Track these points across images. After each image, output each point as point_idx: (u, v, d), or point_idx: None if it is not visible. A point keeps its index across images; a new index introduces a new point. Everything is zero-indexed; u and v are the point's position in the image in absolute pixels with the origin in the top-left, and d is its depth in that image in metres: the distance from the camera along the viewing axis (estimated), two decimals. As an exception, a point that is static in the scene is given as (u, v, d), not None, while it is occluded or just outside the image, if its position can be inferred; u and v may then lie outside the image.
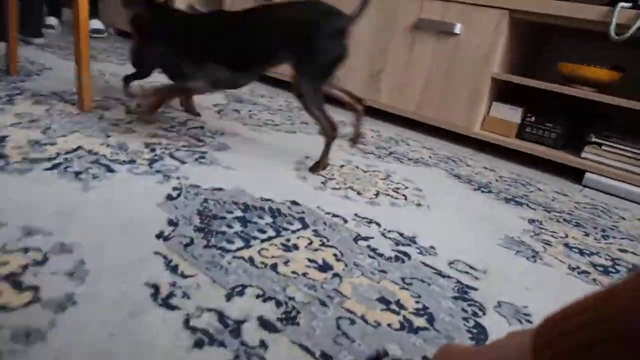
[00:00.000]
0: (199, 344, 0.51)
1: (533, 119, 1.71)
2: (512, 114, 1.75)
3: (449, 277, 0.76)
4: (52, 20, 2.61)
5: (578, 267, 0.88)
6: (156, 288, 0.59)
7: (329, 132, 1.10)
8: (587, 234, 1.07)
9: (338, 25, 1.05)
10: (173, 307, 0.56)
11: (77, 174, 0.88)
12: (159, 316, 0.54)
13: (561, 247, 0.96)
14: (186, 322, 0.54)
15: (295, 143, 1.38)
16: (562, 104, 1.71)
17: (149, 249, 0.67)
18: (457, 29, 1.77)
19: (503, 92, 1.82)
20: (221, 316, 0.56)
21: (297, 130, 1.54)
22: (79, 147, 1.01)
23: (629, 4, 1.47)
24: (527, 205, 1.20)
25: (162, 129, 1.26)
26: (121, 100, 1.48)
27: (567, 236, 1.03)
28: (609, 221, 1.19)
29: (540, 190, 1.37)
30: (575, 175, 1.57)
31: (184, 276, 0.62)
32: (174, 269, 0.64)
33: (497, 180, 1.38)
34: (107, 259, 0.63)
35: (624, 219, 1.24)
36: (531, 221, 1.08)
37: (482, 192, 1.24)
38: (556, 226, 1.08)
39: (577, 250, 0.96)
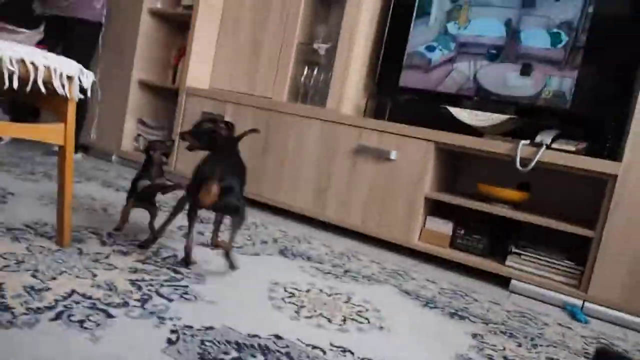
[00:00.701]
0: None
1: (462, 231, 1.98)
2: (445, 227, 2.01)
3: (418, 401, 0.90)
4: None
5: (517, 380, 1.07)
6: None
7: None
8: (519, 345, 1.27)
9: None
10: None
11: (81, 322, 0.96)
12: None
13: (501, 360, 1.15)
14: None
15: (261, 267, 1.52)
16: (485, 216, 2.00)
17: (169, 400, 0.77)
18: (393, 155, 2.05)
19: (436, 206, 2.09)
20: None
21: (260, 252, 1.68)
22: (73, 292, 1.08)
23: (527, 142, 1.83)
24: (468, 319, 1.39)
25: (140, 262, 1.35)
26: (91, 228, 1.56)
27: (504, 348, 1.22)
28: (536, 328, 1.41)
29: (476, 300, 1.58)
30: (503, 280, 1.81)
31: None
32: (196, 419, 0.73)
33: (439, 293, 1.58)
34: (136, 414, 0.72)
35: (547, 324, 1.47)
36: (474, 335, 1.27)
37: (430, 308, 1.43)
38: (494, 339, 1.28)
39: (514, 363, 1.15)
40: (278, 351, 0.99)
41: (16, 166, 2.30)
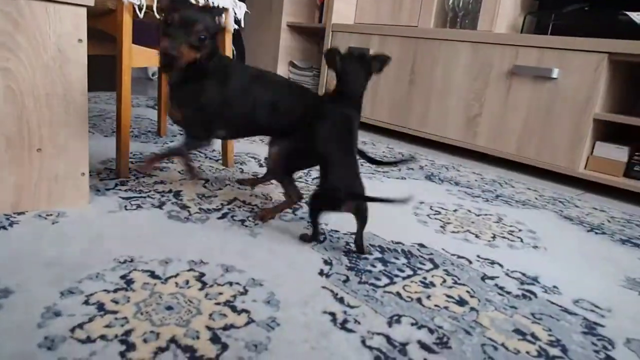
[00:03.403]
0: (378, 359, 0.65)
1: (642, 157, 1.71)
2: (618, 153, 1.76)
3: (575, 314, 0.84)
4: None
5: None
6: (333, 315, 0.74)
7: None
8: None
9: None
10: (350, 330, 0.70)
11: (242, 221, 1.07)
12: (342, 336, 0.69)
13: (685, 287, 0.99)
14: (363, 342, 0.68)
15: (407, 188, 1.52)
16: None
17: (317, 284, 0.83)
18: (555, 73, 1.83)
19: (606, 132, 1.83)
20: (388, 339, 0.69)
21: (406, 176, 1.68)
22: (235, 199, 1.21)
23: None
24: (644, 246, 1.22)
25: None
26: (251, 154, 1.71)
27: (690, 277, 1.05)
28: None
29: (656, 230, 1.38)
30: (693, 214, 1.54)
31: (350, 306, 0.77)
32: (341, 300, 0.78)
33: (609, 221, 1.41)
34: (289, 291, 0.79)
35: None
36: (650, 262, 1.12)
37: (596, 233, 1.29)
38: (677, 267, 1.10)
39: (702, 291, 0.99)
40: (421, 256, 1.00)
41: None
